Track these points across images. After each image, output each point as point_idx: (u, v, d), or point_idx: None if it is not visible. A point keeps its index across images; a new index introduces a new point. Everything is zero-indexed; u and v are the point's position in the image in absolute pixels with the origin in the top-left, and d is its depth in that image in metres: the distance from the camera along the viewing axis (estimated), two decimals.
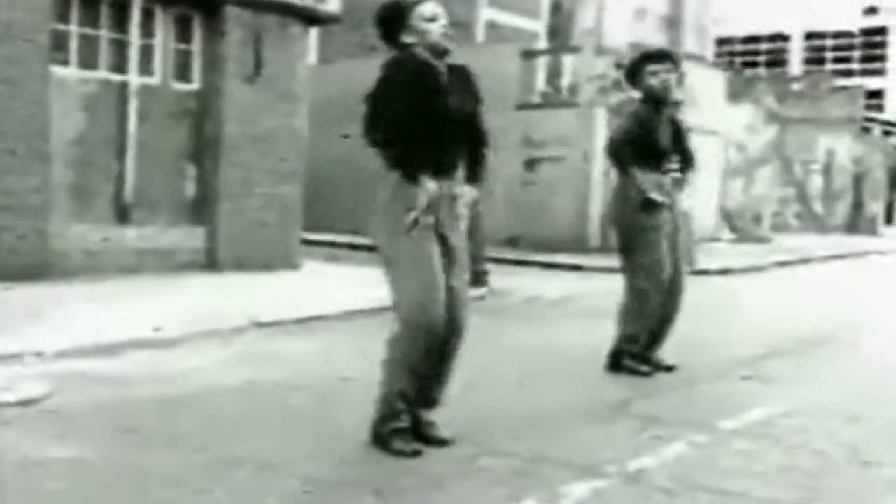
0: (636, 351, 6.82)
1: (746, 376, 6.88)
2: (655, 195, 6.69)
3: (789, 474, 4.54)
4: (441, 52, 4.67)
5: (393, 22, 4.68)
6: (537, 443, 4.90)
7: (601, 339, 6.97)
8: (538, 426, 5.26)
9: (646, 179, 6.72)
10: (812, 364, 7.70)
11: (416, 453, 4.55)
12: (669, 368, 6.87)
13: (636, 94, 7.12)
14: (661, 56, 7.02)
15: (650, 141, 6.79)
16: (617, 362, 6.82)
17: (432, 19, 4.63)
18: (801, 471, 4.60)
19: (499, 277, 12.32)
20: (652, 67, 6.81)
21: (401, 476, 4.29)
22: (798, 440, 5.14)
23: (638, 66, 6.92)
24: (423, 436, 4.70)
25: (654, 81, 6.79)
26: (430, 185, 4.52)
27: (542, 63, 22.40)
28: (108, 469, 4.34)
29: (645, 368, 6.76)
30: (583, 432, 5.20)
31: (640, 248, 6.75)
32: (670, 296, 6.81)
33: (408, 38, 4.65)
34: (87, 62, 11.15)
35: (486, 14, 27.20)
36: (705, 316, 9.28)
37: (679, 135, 6.98)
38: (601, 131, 18.19)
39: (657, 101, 6.84)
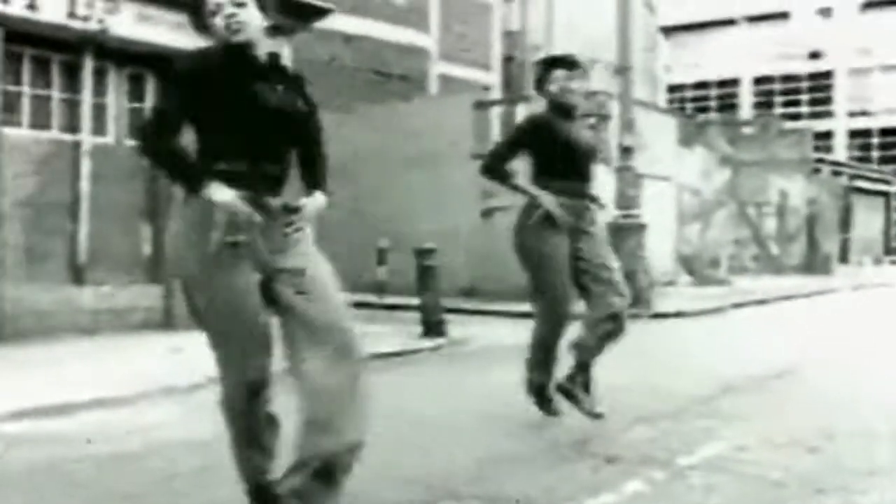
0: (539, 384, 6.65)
1: None
2: (554, 210, 6.26)
3: None
4: (229, 46, 3.70)
5: (195, 10, 3.78)
6: (496, 484, 4.91)
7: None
8: (497, 468, 5.27)
9: (541, 194, 6.29)
10: (767, 400, 7.76)
11: None
12: (597, 415, 6.48)
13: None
14: (568, 63, 6.34)
15: (547, 152, 6.31)
16: (568, 393, 6.57)
17: (212, 13, 3.70)
18: (758, 501, 4.63)
19: (457, 327, 12.33)
20: (556, 73, 6.26)
21: None
22: (754, 472, 5.18)
23: (543, 72, 6.34)
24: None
25: (553, 88, 6.28)
26: (226, 195, 3.55)
27: (495, 113, 22.59)
28: None
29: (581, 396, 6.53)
30: (541, 472, 5.20)
31: (539, 283, 6.44)
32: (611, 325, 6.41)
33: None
34: (40, 122, 11.14)
35: (438, 68, 27.43)
36: (662, 357, 9.35)
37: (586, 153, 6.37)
38: None
39: (561, 111, 6.32)
